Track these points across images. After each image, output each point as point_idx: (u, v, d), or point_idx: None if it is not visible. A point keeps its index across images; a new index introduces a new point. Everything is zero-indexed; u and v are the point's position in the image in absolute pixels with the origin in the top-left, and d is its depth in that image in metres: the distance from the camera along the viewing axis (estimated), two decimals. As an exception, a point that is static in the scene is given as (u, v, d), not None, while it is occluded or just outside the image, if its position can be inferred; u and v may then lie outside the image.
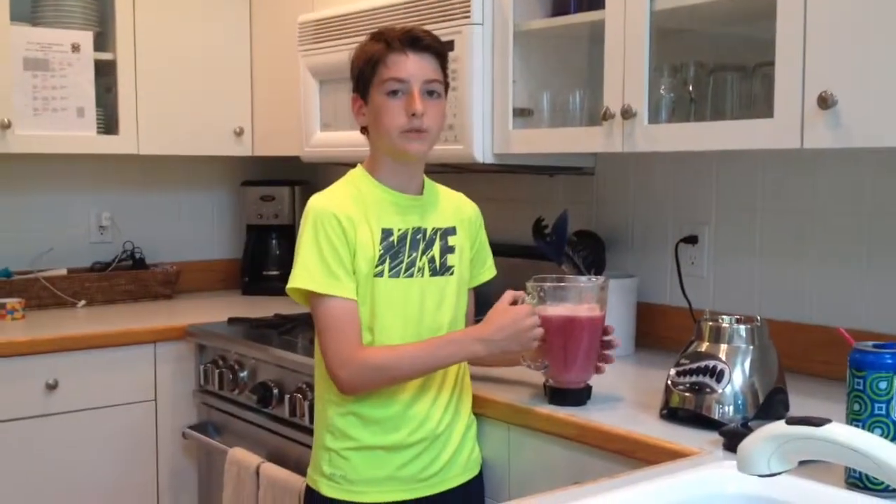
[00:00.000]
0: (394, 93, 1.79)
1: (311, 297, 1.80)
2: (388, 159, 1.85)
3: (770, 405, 1.70)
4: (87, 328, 2.82)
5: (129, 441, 2.81)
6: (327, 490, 1.86)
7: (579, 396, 1.88)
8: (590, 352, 1.87)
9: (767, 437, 1.05)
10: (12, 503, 2.62)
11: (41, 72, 2.92)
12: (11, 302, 2.94)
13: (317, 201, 1.83)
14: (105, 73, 3.08)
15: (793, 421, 1.04)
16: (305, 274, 1.78)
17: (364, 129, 1.89)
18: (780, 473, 1.08)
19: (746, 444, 1.08)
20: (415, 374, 1.82)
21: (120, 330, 2.81)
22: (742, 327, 1.74)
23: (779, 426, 1.05)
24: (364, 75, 1.83)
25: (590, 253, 2.42)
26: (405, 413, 1.84)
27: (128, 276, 3.33)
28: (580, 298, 1.88)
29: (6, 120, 2.83)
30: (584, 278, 2.03)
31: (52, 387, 2.67)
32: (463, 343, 1.81)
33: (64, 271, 3.24)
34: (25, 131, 2.89)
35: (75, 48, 2.98)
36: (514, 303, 1.82)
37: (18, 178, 3.23)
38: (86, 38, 3.00)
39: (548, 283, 1.89)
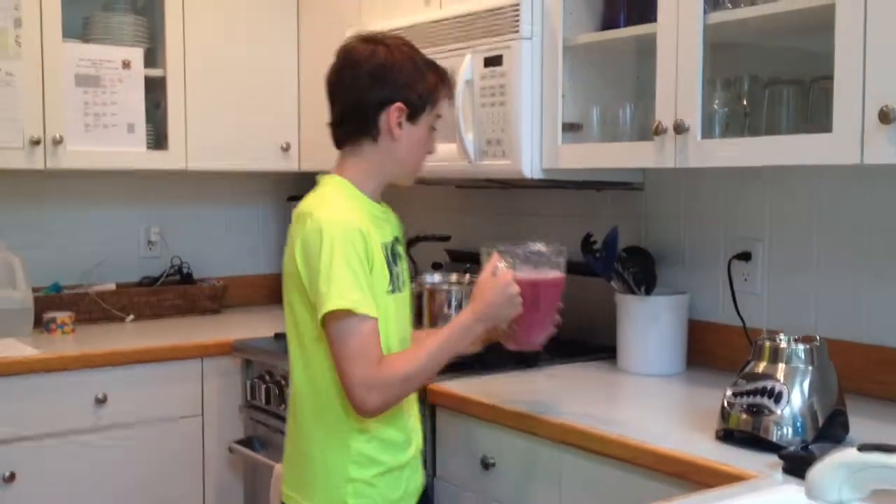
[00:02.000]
0: (433, 129, 1.87)
1: (342, 318, 1.68)
2: (385, 178, 1.85)
3: (830, 427, 1.66)
4: (136, 343, 2.84)
5: (175, 455, 2.82)
6: None
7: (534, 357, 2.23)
8: (554, 311, 1.87)
9: (839, 464, 1.02)
10: (61, 516, 2.65)
11: (92, 88, 2.95)
12: (62, 316, 2.97)
13: (335, 215, 1.72)
14: (154, 89, 3.11)
15: (866, 448, 1.01)
16: (344, 294, 1.67)
17: (374, 139, 1.80)
18: (851, 502, 1.05)
19: (817, 471, 1.05)
20: (432, 373, 1.81)
21: (167, 345, 2.83)
22: (801, 347, 1.70)
23: (851, 453, 1.01)
24: (422, 99, 1.81)
25: (640, 269, 2.39)
26: (408, 430, 1.86)
27: (175, 291, 3.35)
28: (546, 262, 1.87)
29: (58, 136, 2.87)
30: (540, 243, 1.95)
31: (101, 401, 2.69)
32: (464, 327, 1.79)
33: (113, 286, 3.27)
34: (77, 147, 2.92)
35: (126, 65, 3.01)
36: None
37: (69, 192, 3.28)
38: (136, 54, 3.04)
39: (518, 249, 1.86)
